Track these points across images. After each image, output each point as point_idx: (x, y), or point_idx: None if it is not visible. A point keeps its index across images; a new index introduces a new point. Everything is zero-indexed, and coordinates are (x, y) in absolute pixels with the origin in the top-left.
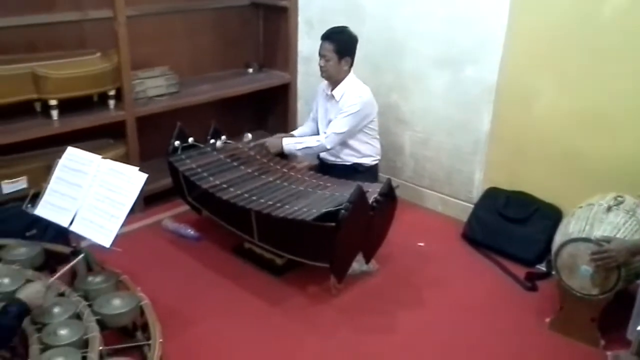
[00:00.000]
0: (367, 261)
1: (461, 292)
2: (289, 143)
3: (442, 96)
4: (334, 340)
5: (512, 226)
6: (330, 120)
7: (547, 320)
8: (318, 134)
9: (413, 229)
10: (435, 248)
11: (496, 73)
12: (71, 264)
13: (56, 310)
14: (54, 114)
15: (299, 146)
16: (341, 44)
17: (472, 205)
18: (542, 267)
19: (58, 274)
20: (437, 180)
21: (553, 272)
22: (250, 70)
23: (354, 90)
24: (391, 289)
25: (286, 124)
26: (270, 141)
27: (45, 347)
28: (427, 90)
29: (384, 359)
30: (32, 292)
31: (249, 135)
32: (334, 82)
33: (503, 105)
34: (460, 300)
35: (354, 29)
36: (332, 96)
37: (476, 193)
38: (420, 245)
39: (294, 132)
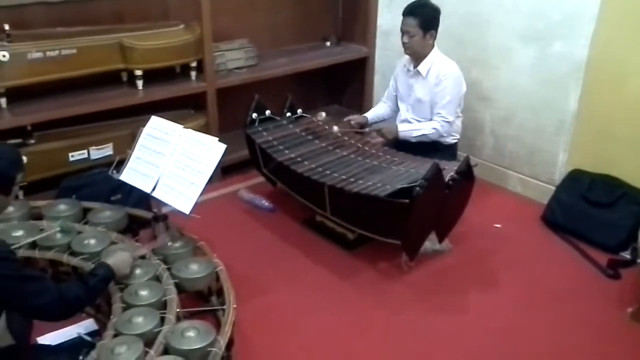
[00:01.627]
0: (441, 240)
1: (538, 277)
2: (405, 130)
3: (527, 72)
4: (403, 317)
5: (596, 210)
6: (418, 98)
7: (629, 310)
8: (397, 112)
9: (490, 209)
10: (512, 230)
11: (587, 49)
12: (157, 242)
13: (138, 272)
14: (139, 83)
15: (416, 133)
16: (425, 18)
17: (553, 187)
18: (626, 255)
19: (150, 247)
20: (517, 160)
21: (638, 260)
22: (328, 43)
23: (443, 67)
24: (464, 270)
25: (362, 99)
26: (387, 127)
27: (127, 306)
28: (511, 66)
29: (454, 338)
30: (120, 260)
31: (323, 114)
32: (418, 57)
33: (592, 83)
34: (537, 285)
35: (435, 1)
36: (418, 72)
37: (559, 175)
38: (496, 227)
39: (367, 114)
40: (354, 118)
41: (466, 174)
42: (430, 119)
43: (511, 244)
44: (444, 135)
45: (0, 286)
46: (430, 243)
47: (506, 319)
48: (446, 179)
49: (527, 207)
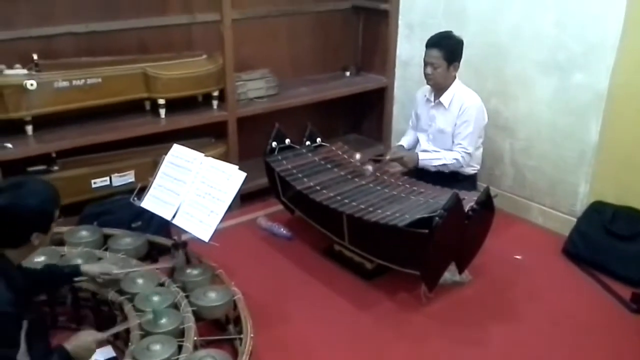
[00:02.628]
0: (460, 271)
1: (559, 310)
2: (425, 158)
3: (547, 103)
4: (423, 348)
5: (619, 243)
6: (440, 129)
7: None
8: (418, 141)
9: (510, 240)
10: (533, 262)
11: (608, 79)
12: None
13: (156, 299)
14: (162, 112)
15: (436, 162)
16: (450, 50)
17: (574, 219)
18: None
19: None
20: (538, 191)
21: None
22: (348, 73)
23: (466, 98)
24: (484, 301)
25: (381, 128)
26: (408, 155)
27: (145, 334)
28: (531, 96)
29: None
30: (83, 346)
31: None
32: (440, 88)
33: (614, 113)
34: (558, 318)
35: (455, 33)
36: (440, 103)
37: (580, 206)
38: (517, 259)
39: (402, 143)
40: (395, 152)
41: (486, 204)
42: (451, 150)
43: (532, 275)
44: (464, 166)
45: None
46: (450, 274)
47: (528, 352)
48: (466, 209)
49: (548, 239)
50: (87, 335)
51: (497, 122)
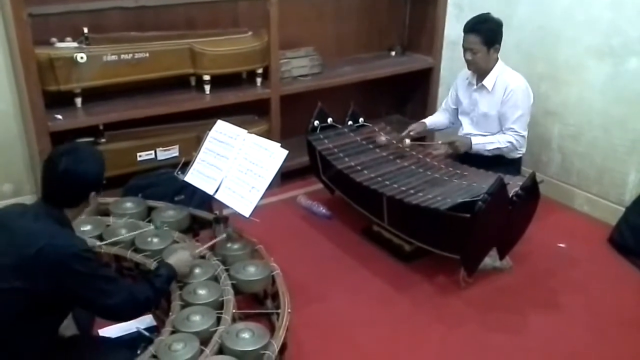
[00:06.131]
0: (501, 257)
1: (603, 301)
2: (479, 142)
3: (599, 89)
4: (460, 333)
5: None
6: (484, 112)
7: None
8: (455, 124)
9: (554, 228)
10: (577, 251)
11: None
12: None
13: (197, 271)
14: (207, 88)
15: (490, 147)
16: (488, 34)
17: (623, 209)
18: None
19: (206, 245)
20: (585, 179)
21: None
22: (393, 53)
23: (511, 80)
24: (524, 289)
25: (425, 109)
26: (460, 140)
27: (185, 304)
28: (583, 82)
29: (511, 358)
30: (181, 260)
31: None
32: (483, 72)
33: None
34: (601, 309)
35: (505, 14)
36: (483, 86)
37: (629, 196)
38: (560, 247)
39: (425, 121)
40: (414, 128)
41: (531, 190)
42: (495, 133)
43: (575, 265)
44: (518, 149)
45: (75, 282)
46: (491, 259)
47: (568, 344)
48: (510, 195)
49: (593, 228)
50: (184, 251)
51: (546, 107)
